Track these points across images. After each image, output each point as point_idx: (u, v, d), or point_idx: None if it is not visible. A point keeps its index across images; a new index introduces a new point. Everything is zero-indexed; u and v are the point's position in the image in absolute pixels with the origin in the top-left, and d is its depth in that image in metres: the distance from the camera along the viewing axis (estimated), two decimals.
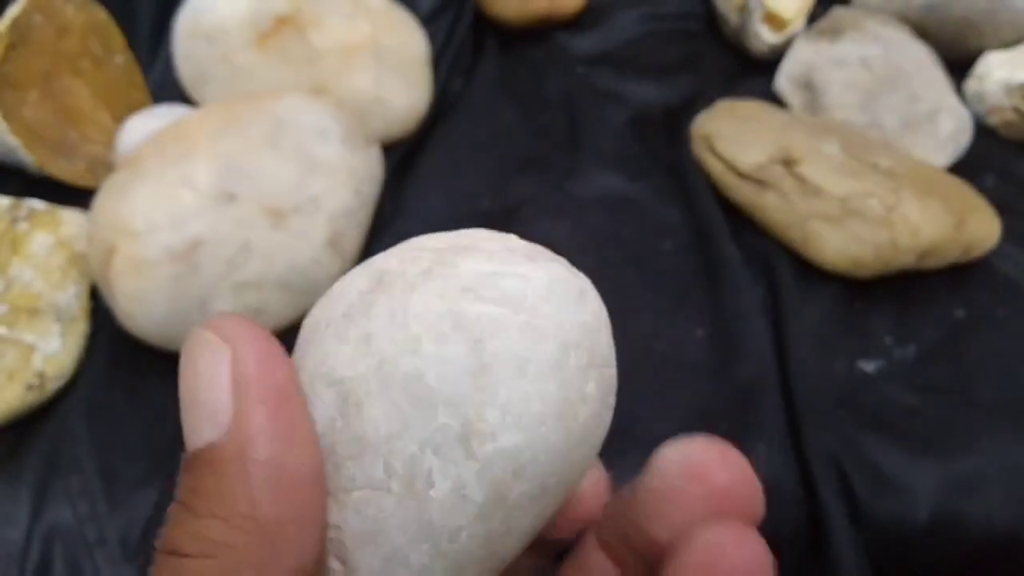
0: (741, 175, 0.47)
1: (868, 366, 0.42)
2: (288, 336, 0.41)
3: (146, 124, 0.46)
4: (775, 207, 0.46)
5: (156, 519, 0.36)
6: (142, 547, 0.35)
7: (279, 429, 0.15)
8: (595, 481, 0.18)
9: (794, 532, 0.37)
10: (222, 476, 0.14)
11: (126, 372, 0.40)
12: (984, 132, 0.52)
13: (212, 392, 0.15)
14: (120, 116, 0.49)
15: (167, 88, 0.53)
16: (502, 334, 0.16)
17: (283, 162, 0.41)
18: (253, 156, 0.40)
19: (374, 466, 0.16)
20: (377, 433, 0.16)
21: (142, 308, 0.38)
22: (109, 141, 0.48)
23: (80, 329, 0.41)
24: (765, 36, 0.55)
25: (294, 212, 0.40)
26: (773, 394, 0.40)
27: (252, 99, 0.43)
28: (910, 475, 0.38)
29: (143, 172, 0.40)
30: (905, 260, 0.43)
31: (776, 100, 0.54)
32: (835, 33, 0.53)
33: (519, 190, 0.48)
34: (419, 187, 0.47)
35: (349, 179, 0.42)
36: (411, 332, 0.16)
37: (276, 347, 0.16)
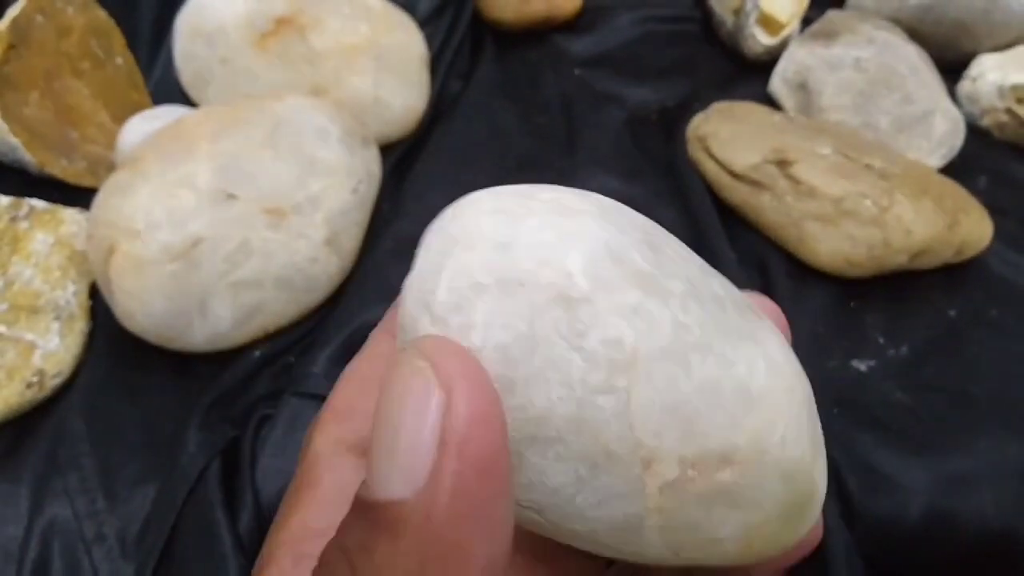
0: (736, 176, 0.47)
1: (861, 365, 0.42)
2: (286, 333, 0.41)
3: (146, 124, 0.46)
4: (769, 207, 0.46)
5: (154, 516, 0.36)
6: (140, 544, 0.35)
7: (474, 509, 0.13)
8: None
9: None
10: (397, 542, 0.13)
11: (125, 370, 0.40)
12: (977, 133, 0.53)
13: (414, 441, 0.13)
14: (120, 117, 0.50)
15: (167, 89, 0.53)
16: None
17: (282, 162, 0.41)
18: (252, 156, 0.41)
19: None
20: None
21: (141, 306, 0.38)
22: (109, 141, 0.49)
23: (79, 327, 0.41)
24: (760, 38, 0.55)
25: (293, 211, 0.40)
26: None
27: (252, 100, 0.43)
28: (903, 474, 0.38)
29: (143, 172, 0.40)
30: (898, 260, 0.44)
31: (771, 102, 0.54)
32: (829, 35, 0.54)
33: None
34: (417, 187, 0.47)
35: (348, 179, 0.42)
36: None
37: (496, 402, 0.14)
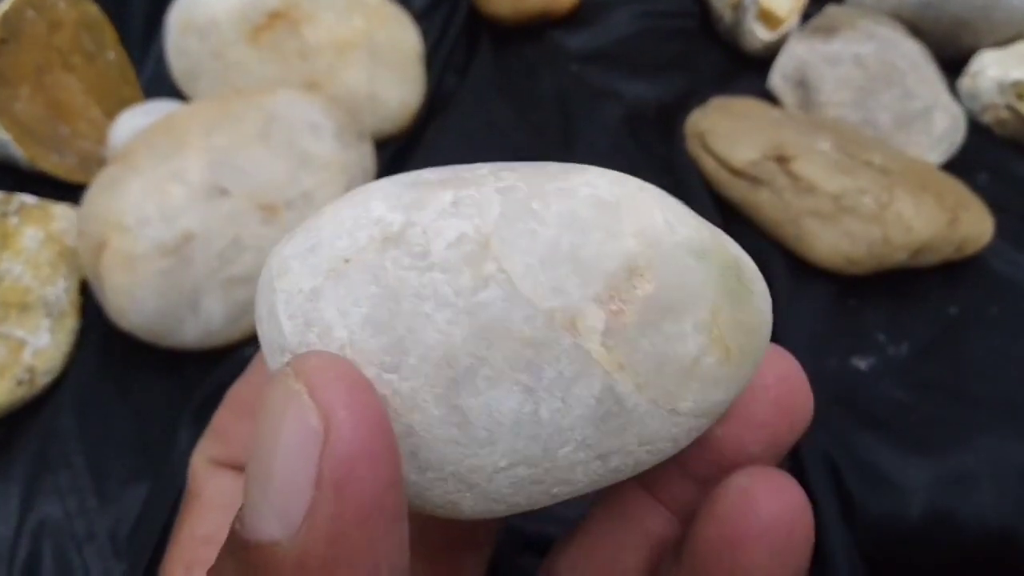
0: (734, 172, 0.47)
1: (861, 363, 0.42)
2: None
3: (138, 119, 0.46)
4: (768, 204, 0.46)
5: (146, 515, 0.35)
6: (132, 543, 0.35)
7: (354, 555, 0.12)
8: None
9: None
10: None
11: (116, 367, 0.40)
12: (978, 130, 0.52)
13: (288, 478, 0.12)
14: (112, 112, 0.49)
15: (159, 83, 0.52)
16: None
17: (275, 157, 0.40)
18: (245, 151, 0.40)
19: None
20: None
21: (132, 303, 0.38)
22: (101, 137, 0.48)
23: (70, 324, 0.41)
24: (759, 34, 0.55)
25: (286, 207, 0.40)
26: None
27: (244, 94, 0.43)
28: (903, 472, 0.38)
29: (134, 167, 0.39)
30: (898, 257, 0.43)
31: (770, 98, 0.54)
32: (829, 31, 0.53)
33: None
34: None
35: (341, 174, 0.42)
36: None
37: (384, 432, 0.12)
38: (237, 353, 0.40)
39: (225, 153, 0.40)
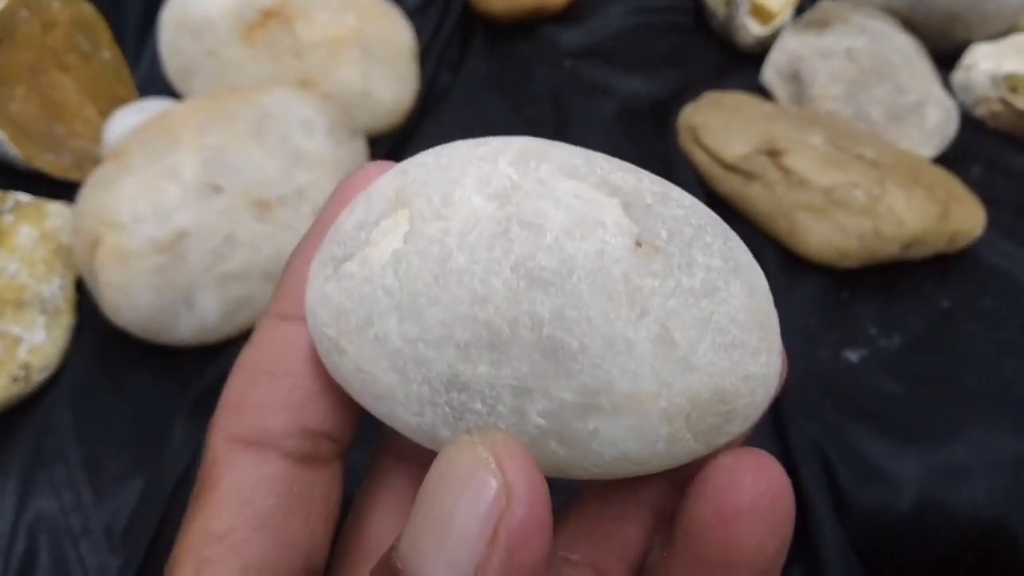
0: (727, 166, 0.47)
1: (853, 356, 0.42)
2: None
3: (132, 118, 0.46)
4: (760, 198, 0.46)
5: (141, 510, 0.35)
6: (128, 539, 0.35)
7: None
8: None
9: None
10: None
11: (111, 364, 0.40)
12: (971, 123, 0.52)
13: (466, 532, 0.13)
14: (106, 110, 0.49)
15: (153, 82, 0.53)
16: None
17: (268, 154, 0.41)
18: (238, 148, 0.40)
19: None
20: None
21: (127, 300, 0.38)
22: (95, 135, 0.48)
23: (65, 321, 0.41)
24: (752, 29, 0.55)
25: (279, 203, 0.40)
26: None
27: (237, 92, 0.43)
28: (894, 464, 0.38)
29: (128, 164, 0.40)
30: (890, 250, 0.43)
31: (763, 93, 0.54)
32: (822, 25, 0.53)
33: None
34: None
35: (335, 171, 0.42)
36: None
37: (549, 513, 0.14)
38: (232, 349, 0.40)
39: (219, 151, 0.40)
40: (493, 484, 0.13)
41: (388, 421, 0.16)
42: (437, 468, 0.14)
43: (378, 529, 0.19)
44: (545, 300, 0.14)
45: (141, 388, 0.40)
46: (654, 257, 0.14)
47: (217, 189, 0.39)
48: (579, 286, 0.14)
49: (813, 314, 0.44)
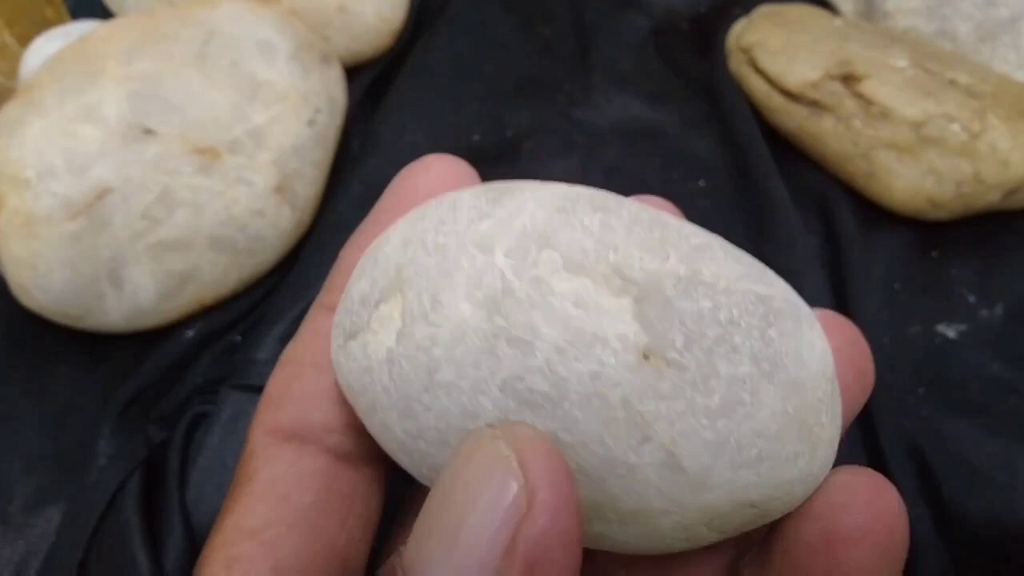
0: (790, 96, 0.41)
1: (949, 331, 0.37)
2: (227, 307, 0.34)
3: (54, 45, 0.40)
4: (832, 135, 0.40)
5: (59, 549, 0.29)
6: None
7: None
8: None
9: None
10: None
11: (21, 359, 0.33)
12: None
13: (478, 538, 0.12)
14: (29, 37, 0.42)
15: (89, 3, 0.45)
16: None
17: (214, 86, 0.33)
18: (176, 79, 0.33)
19: None
20: None
21: (36, 276, 0.31)
22: (12, 68, 0.41)
23: None
24: None
25: (229, 151, 0.33)
26: None
27: (177, 8, 0.35)
28: (1006, 466, 0.33)
29: (37, 104, 0.32)
30: (990, 198, 0.38)
31: (824, 4, 0.48)
32: None
33: (518, 120, 0.41)
34: (393, 118, 0.40)
35: (302, 107, 0.35)
36: None
37: (579, 522, 0.13)
38: (174, 336, 0.33)
39: (150, 83, 0.33)
40: (513, 487, 0.12)
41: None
42: (451, 464, 0.13)
43: None
44: (537, 421, 0.13)
45: (58, 388, 0.33)
46: (663, 374, 0.13)
47: (148, 132, 0.32)
48: (572, 411, 0.13)
49: (898, 279, 0.38)
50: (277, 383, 0.18)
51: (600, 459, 0.13)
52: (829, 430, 0.15)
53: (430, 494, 0.13)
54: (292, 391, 0.17)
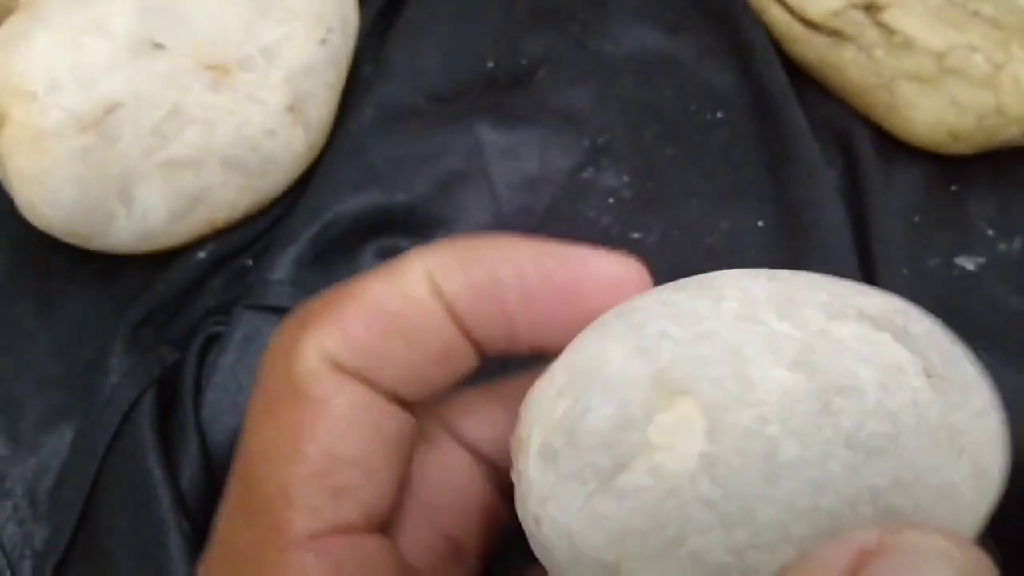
0: (810, 25, 0.40)
1: (969, 264, 0.36)
2: (239, 228, 0.34)
3: None
4: (853, 65, 0.39)
5: (71, 467, 0.29)
6: (55, 502, 0.29)
7: None
8: None
9: None
10: None
11: (32, 277, 0.33)
12: None
13: None
14: None
15: None
16: None
17: (225, 1, 0.32)
18: None
19: None
20: None
21: (44, 193, 0.30)
22: None
23: None
24: None
25: (241, 67, 0.32)
26: None
27: None
28: None
29: (41, 15, 0.31)
30: (1012, 132, 0.37)
31: None
32: None
33: (532, 47, 0.40)
34: (406, 41, 0.39)
35: (315, 25, 0.34)
36: None
37: None
38: (186, 257, 0.33)
39: None
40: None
41: None
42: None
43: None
44: (881, 467, 0.13)
45: (69, 308, 0.33)
46: (947, 388, 0.14)
47: (158, 47, 0.31)
48: (908, 443, 0.13)
49: (917, 211, 0.38)
50: (350, 317, 0.16)
51: (935, 489, 0.13)
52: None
53: None
54: (366, 341, 0.16)
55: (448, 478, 0.18)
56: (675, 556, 0.13)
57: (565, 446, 0.14)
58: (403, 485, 0.16)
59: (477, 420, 0.18)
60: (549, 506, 0.14)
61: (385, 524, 0.16)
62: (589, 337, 0.15)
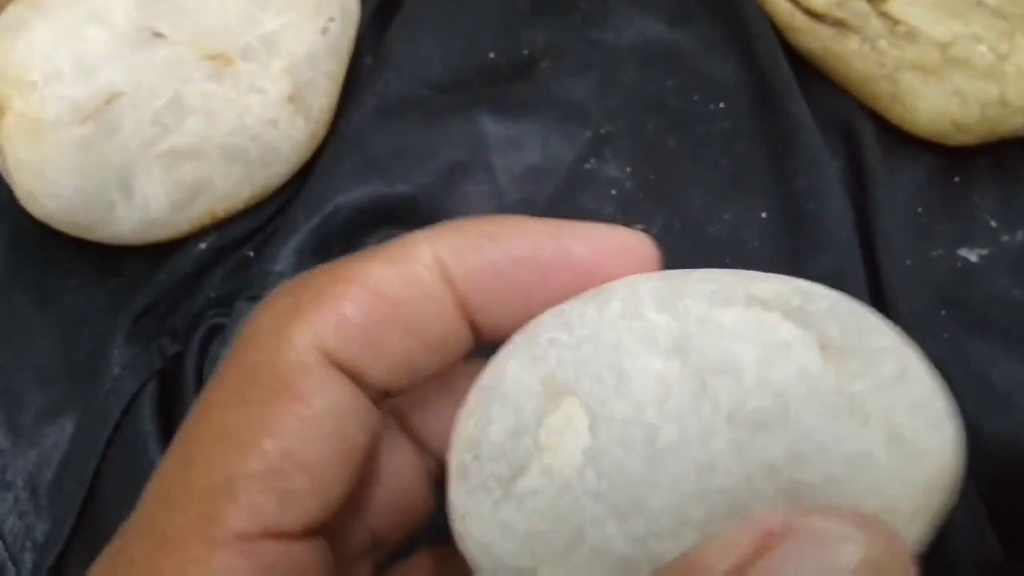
0: (814, 16, 0.40)
1: (971, 255, 0.37)
2: (240, 219, 0.34)
3: None
4: (857, 56, 0.39)
5: (72, 459, 0.29)
6: (56, 495, 0.29)
7: None
8: None
9: None
10: None
11: (31, 269, 0.33)
12: None
13: None
14: None
15: None
16: None
17: None
18: None
19: None
20: None
21: (44, 184, 0.30)
22: None
23: None
24: None
25: (241, 57, 0.32)
26: (857, 290, 0.34)
27: None
28: None
29: (42, 5, 0.32)
30: (1015, 123, 0.37)
31: None
32: None
33: (534, 38, 0.40)
34: (408, 31, 0.39)
35: (315, 14, 0.34)
36: None
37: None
38: (187, 248, 0.33)
39: None
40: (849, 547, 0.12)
41: None
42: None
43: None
44: (771, 441, 0.13)
45: (70, 299, 0.33)
46: (845, 358, 0.14)
47: (158, 36, 0.31)
48: (800, 416, 0.13)
49: (920, 202, 0.38)
50: (354, 301, 0.15)
51: (844, 459, 0.13)
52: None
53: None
54: (367, 329, 0.15)
55: (392, 474, 0.17)
56: (580, 553, 0.14)
57: (472, 460, 0.15)
58: (350, 490, 0.15)
59: (427, 413, 0.18)
60: (468, 522, 0.15)
61: (323, 529, 0.15)
62: (497, 356, 0.16)
